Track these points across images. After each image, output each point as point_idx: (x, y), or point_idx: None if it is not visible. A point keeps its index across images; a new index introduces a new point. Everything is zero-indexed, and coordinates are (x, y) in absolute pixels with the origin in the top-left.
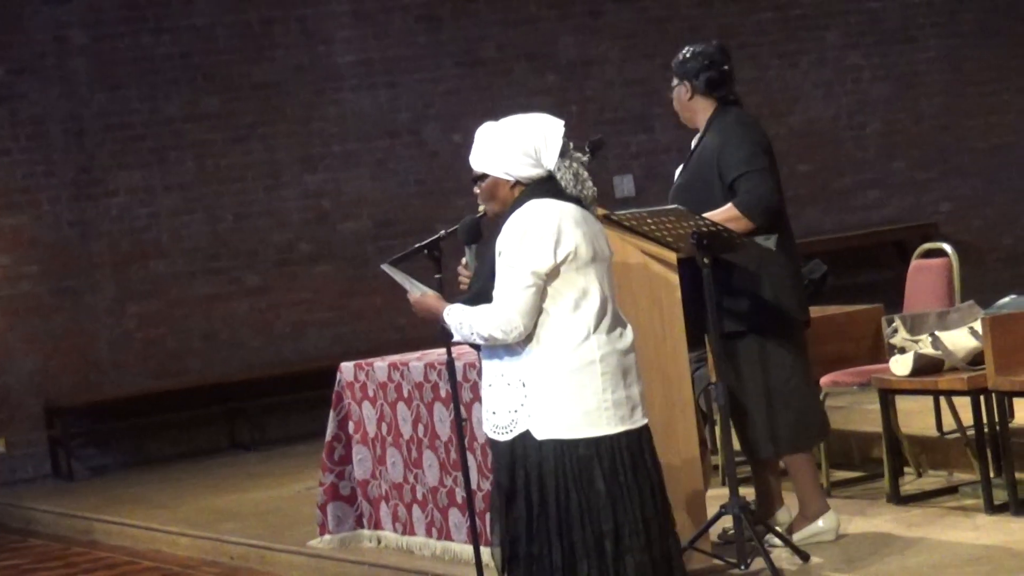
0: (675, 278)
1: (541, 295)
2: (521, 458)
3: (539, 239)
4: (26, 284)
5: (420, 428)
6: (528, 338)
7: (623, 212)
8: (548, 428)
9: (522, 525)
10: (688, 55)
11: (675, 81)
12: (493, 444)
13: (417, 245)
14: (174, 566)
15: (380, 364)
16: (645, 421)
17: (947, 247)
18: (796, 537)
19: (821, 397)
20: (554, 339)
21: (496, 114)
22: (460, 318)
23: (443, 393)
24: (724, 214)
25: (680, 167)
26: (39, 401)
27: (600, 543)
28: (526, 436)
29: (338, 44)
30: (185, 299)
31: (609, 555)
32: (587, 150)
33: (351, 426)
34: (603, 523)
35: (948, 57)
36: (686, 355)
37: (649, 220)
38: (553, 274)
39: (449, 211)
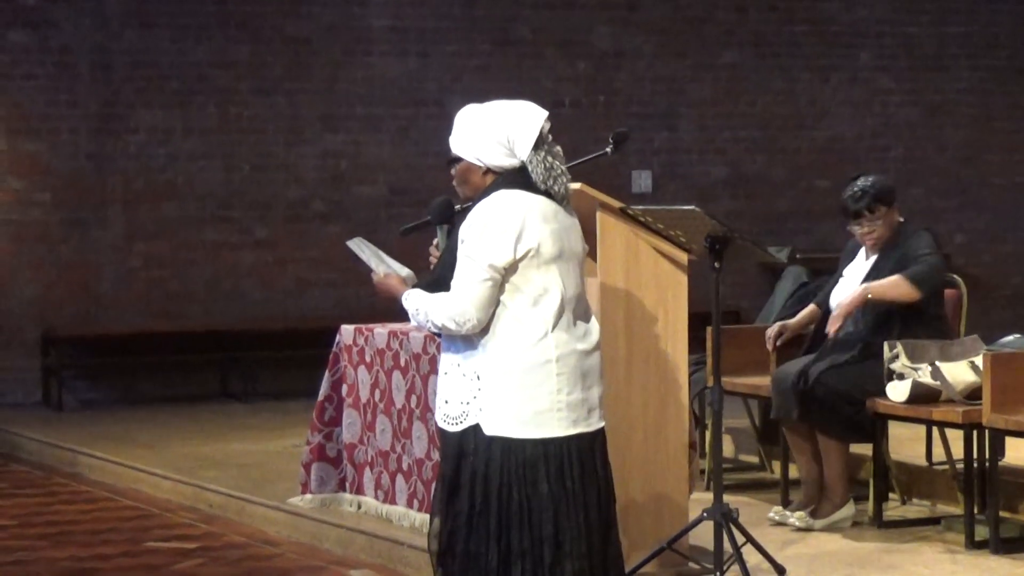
0: (684, 278)
1: (498, 289)
2: (469, 452)
3: (500, 233)
4: (37, 211)
5: (413, 399)
6: (484, 331)
7: (639, 207)
8: (498, 424)
9: (462, 520)
10: (882, 183)
11: (883, 210)
12: (442, 434)
13: (429, 217)
14: (153, 508)
15: (380, 331)
16: (601, 425)
17: (957, 279)
18: (823, 522)
19: None
20: (510, 335)
21: (524, 95)
22: (417, 304)
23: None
24: (891, 283)
25: (846, 270)
26: (37, 328)
27: (539, 547)
28: (476, 430)
29: (373, 7)
30: (193, 243)
31: (547, 560)
32: (611, 142)
33: (344, 389)
34: (544, 527)
35: (979, 90)
36: (686, 356)
37: (665, 218)
38: (512, 269)
39: None
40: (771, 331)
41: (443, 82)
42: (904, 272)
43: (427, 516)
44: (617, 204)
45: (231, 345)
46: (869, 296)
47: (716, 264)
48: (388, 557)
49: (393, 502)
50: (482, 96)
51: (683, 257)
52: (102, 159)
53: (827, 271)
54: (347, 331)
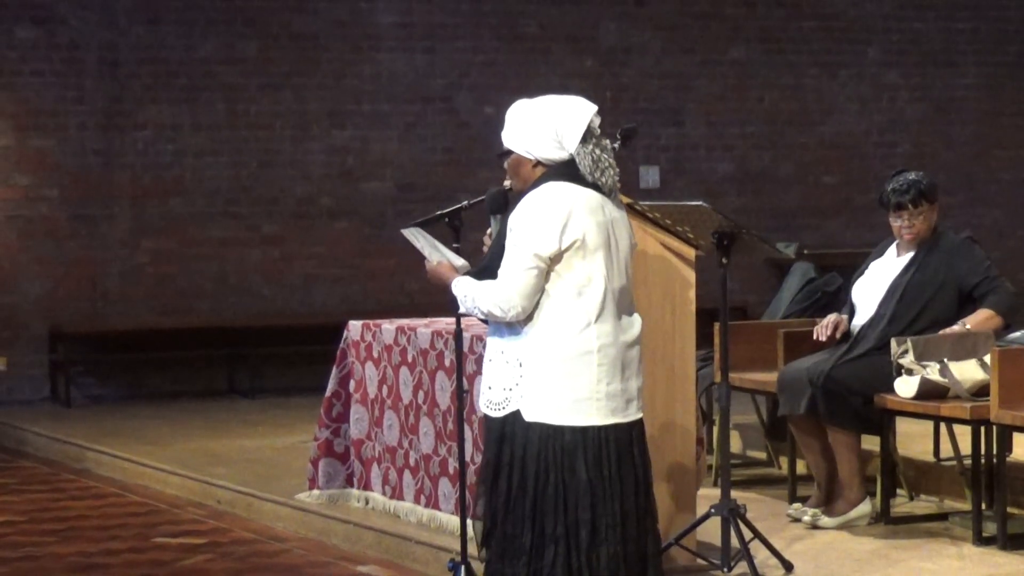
0: (692, 274)
1: (544, 277)
2: (509, 436)
3: (547, 223)
4: (44, 207)
5: (420, 395)
6: (529, 319)
7: (646, 203)
8: (538, 411)
9: (501, 502)
10: (929, 180)
11: (926, 206)
12: (486, 419)
13: (439, 212)
14: (161, 503)
15: (388, 326)
16: (639, 416)
17: None
18: (837, 520)
19: None
20: (554, 323)
21: (531, 91)
22: (465, 290)
23: (447, 362)
24: (986, 316)
25: (872, 264)
26: (44, 324)
27: (576, 531)
28: (516, 416)
29: (381, 3)
30: (200, 240)
31: (584, 544)
32: (619, 137)
33: (352, 385)
34: (580, 512)
35: (987, 85)
36: (694, 352)
37: (672, 214)
38: (557, 259)
39: (473, 181)
40: (828, 322)
41: (450, 78)
42: (992, 305)
43: (434, 512)
44: (625, 200)
45: (238, 341)
46: (967, 328)
47: (723, 260)
48: (396, 553)
49: (401, 498)
50: (489, 92)
51: (690, 253)
52: (109, 155)
53: (835, 267)
54: (355, 327)
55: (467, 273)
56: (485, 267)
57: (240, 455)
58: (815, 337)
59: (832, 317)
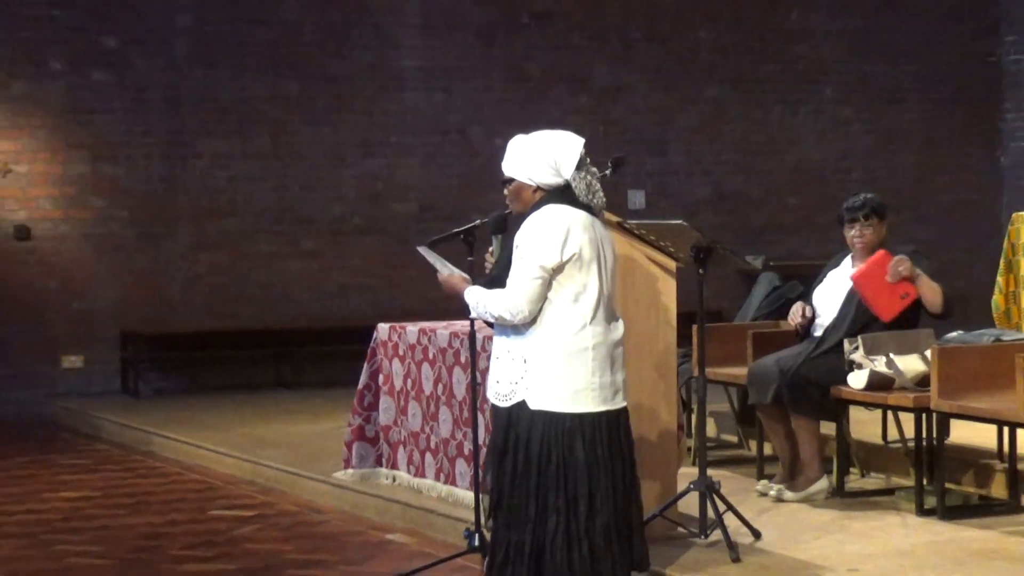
0: (672, 282)
1: (547, 286)
2: (515, 423)
3: (549, 239)
4: (116, 226)
5: (440, 387)
6: (532, 321)
7: (634, 222)
8: (541, 400)
9: (507, 480)
10: (879, 199)
11: (876, 221)
12: (494, 408)
13: (455, 230)
14: (217, 481)
15: (412, 328)
16: (624, 404)
17: None
18: (799, 495)
19: None
20: (554, 325)
21: (534, 126)
22: (477, 298)
23: (463, 359)
24: (935, 288)
25: (830, 273)
26: (116, 327)
27: (575, 503)
28: (522, 405)
29: (405, 50)
30: (249, 254)
31: (582, 514)
32: (610, 165)
33: (381, 378)
34: (579, 487)
35: (927, 119)
36: (675, 349)
37: (656, 231)
38: (558, 269)
39: (485, 203)
40: (797, 308)
41: (465, 114)
42: (943, 286)
43: (451, 487)
44: (615, 219)
45: (283, 341)
46: (918, 275)
47: (700, 270)
48: (419, 523)
49: (423, 476)
50: (498, 126)
51: (672, 264)
52: (172, 181)
53: (796, 276)
54: (383, 328)
55: (475, 283)
56: (493, 278)
57: (285, 439)
58: (789, 320)
59: (798, 305)
